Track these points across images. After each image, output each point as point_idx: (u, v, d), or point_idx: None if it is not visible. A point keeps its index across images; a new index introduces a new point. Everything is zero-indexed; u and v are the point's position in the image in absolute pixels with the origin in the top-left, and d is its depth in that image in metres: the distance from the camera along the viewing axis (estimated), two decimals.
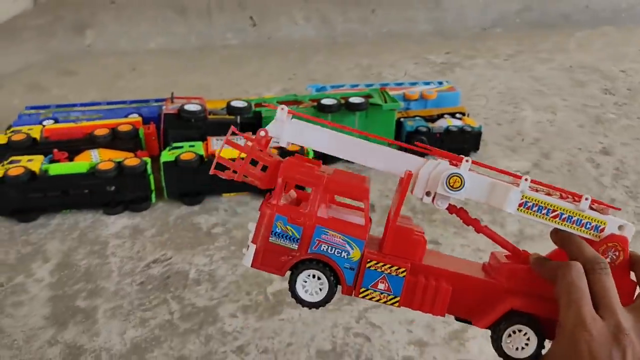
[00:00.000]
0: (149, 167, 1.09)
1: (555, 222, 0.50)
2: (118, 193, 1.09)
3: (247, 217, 1.09)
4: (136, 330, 0.83)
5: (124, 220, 1.08)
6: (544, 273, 0.49)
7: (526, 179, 0.50)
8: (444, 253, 0.59)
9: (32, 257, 0.99)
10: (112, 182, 1.08)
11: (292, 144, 0.51)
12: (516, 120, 1.53)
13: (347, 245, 0.50)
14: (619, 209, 0.51)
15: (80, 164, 1.09)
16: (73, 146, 1.16)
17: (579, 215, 0.49)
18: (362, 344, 0.79)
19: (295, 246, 0.50)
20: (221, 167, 0.51)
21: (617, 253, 0.50)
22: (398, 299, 0.50)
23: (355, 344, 0.79)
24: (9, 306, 0.88)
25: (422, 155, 0.52)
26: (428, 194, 0.50)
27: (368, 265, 0.50)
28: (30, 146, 1.16)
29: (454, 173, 0.49)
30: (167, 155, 1.11)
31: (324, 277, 0.50)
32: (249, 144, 0.51)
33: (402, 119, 1.33)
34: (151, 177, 1.10)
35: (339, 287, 0.51)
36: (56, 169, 1.07)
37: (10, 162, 1.09)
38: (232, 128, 0.52)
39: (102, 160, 1.12)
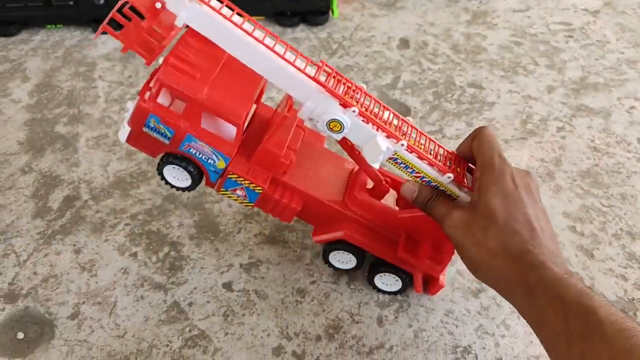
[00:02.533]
0: None
1: (415, 179, 0.51)
2: (109, 8, 0.93)
3: None
4: (121, 164, 0.72)
5: (115, 41, 0.93)
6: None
7: (402, 144, 0.49)
8: (325, 148, 0.60)
9: (10, 75, 0.86)
10: None
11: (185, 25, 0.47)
12: None
13: (213, 156, 0.51)
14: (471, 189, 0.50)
15: None
16: None
17: (440, 184, 0.50)
18: None
19: (167, 142, 0.51)
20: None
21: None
22: (252, 204, 0.54)
23: None
24: None
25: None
26: (311, 120, 0.50)
27: (230, 176, 0.52)
28: None
29: (334, 119, 0.48)
30: None
31: (186, 172, 0.52)
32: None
33: None
34: None
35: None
36: None
37: None
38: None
39: None
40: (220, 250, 0.62)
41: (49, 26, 0.95)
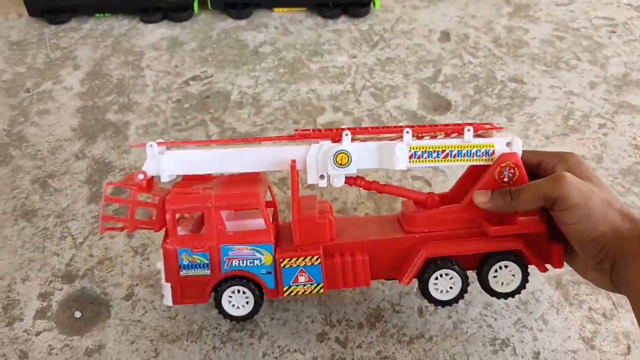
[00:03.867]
0: None
1: (448, 160, 0.50)
2: None
3: (301, 37, 0.94)
4: None
5: (162, 30, 0.96)
6: (523, 201, 0.48)
7: (407, 132, 0.48)
8: (356, 216, 0.59)
9: (61, 62, 0.89)
10: None
11: (173, 175, 0.50)
12: None
13: (256, 253, 0.49)
14: (502, 128, 0.51)
15: None
16: None
17: (467, 146, 0.49)
18: None
19: (207, 272, 0.50)
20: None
21: (512, 171, 0.50)
22: (322, 285, 0.51)
23: None
24: (34, 114, 0.80)
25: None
26: (322, 177, 0.49)
27: (282, 264, 0.50)
28: None
29: (338, 151, 0.48)
30: None
31: (245, 289, 0.50)
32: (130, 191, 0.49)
33: None
34: None
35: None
36: None
37: None
38: (106, 185, 0.53)
39: None
40: None
41: (98, 15, 0.98)
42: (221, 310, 0.51)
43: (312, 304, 0.59)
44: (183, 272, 0.49)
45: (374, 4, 0.98)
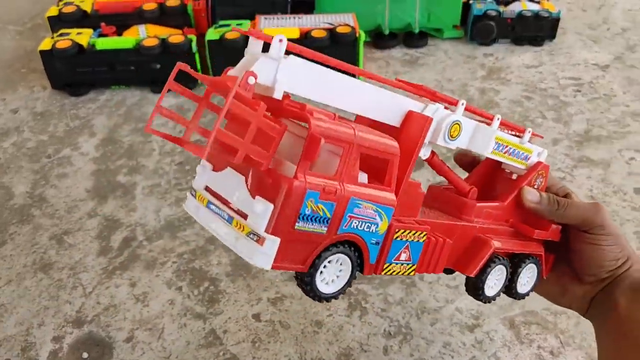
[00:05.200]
0: (193, 44, 1.06)
1: (502, 156, 0.48)
2: (163, 71, 1.07)
3: None
4: (171, 209, 0.84)
5: (169, 99, 1.07)
6: (570, 214, 0.51)
7: (498, 118, 0.45)
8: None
9: (79, 130, 1.01)
10: (156, 59, 1.06)
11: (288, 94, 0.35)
12: (605, 6, 1.35)
13: (377, 217, 0.38)
14: (541, 137, 0.53)
15: (127, 40, 1.07)
16: (122, 20, 1.14)
17: (520, 148, 0.49)
18: None
19: (324, 229, 0.36)
20: None
21: (541, 179, 0.52)
22: (415, 267, 0.43)
23: None
24: (54, 177, 0.91)
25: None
26: (430, 142, 0.42)
27: (396, 235, 0.40)
28: (81, 19, 1.15)
29: (455, 121, 0.42)
30: (212, 34, 1.07)
31: (348, 260, 0.38)
32: (233, 97, 0.31)
33: (470, 1, 1.20)
34: (197, 56, 1.07)
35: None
36: (103, 43, 1.06)
37: (60, 35, 1.09)
38: (179, 66, 0.34)
39: (149, 36, 1.09)
40: (252, 286, 0.73)
41: (113, 87, 1.10)
42: (308, 285, 0.37)
43: (290, 344, 0.66)
44: (299, 226, 0.35)
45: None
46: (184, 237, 0.80)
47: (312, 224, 0.35)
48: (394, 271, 0.42)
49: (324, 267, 0.37)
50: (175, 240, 0.79)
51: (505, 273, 0.50)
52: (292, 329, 0.68)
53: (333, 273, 0.38)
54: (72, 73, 1.07)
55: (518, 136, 0.50)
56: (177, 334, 0.68)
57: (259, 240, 0.34)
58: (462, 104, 0.43)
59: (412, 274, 0.43)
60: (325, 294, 0.38)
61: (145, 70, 1.07)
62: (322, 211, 0.35)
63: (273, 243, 0.34)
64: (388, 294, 0.71)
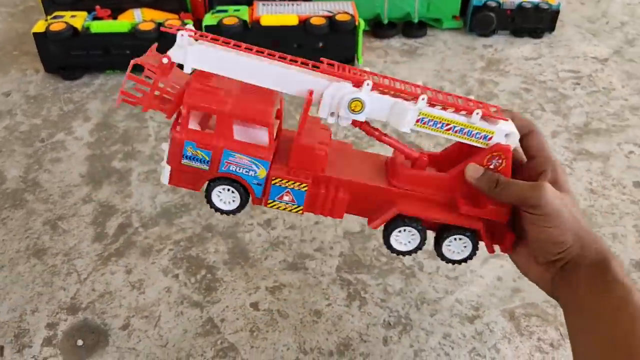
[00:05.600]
0: None
1: (448, 134, 0.52)
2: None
3: None
4: (167, 196, 0.83)
5: None
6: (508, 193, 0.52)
7: (423, 98, 0.50)
8: (354, 149, 0.59)
9: (73, 115, 0.99)
10: (152, 43, 1.03)
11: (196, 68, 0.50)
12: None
13: (253, 166, 0.53)
14: (507, 120, 0.53)
15: (122, 23, 1.05)
16: (117, 3, 1.11)
17: (470, 127, 0.52)
18: None
19: (206, 167, 0.53)
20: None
21: (500, 161, 0.53)
22: (301, 207, 0.55)
23: None
24: (48, 162, 0.89)
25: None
26: (332, 114, 0.51)
27: (273, 182, 0.53)
28: (75, 1, 1.12)
29: (354, 98, 0.50)
30: (209, 19, 1.05)
31: (235, 190, 0.54)
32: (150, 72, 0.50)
33: None
34: None
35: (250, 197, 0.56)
36: (98, 26, 1.04)
37: (54, 17, 1.06)
38: (132, 63, 0.51)
39: (144, 20, 1.07)
40: (249, 274, 0.72)
41: (108, 71, 1.08)
42: (209, 201, 0.55)
43: (289, 333, 0.65)
44: (184, 161, 0.52)
45: (358, 60, 1.08)
46: (180, 224, 0.79)
47: (195, 162, 0.52)
48: (280, 207, 0.55)
49: (219, 192, 0.54)
50: (171, 227, 0.78)
51: (418, 236, 0.56)
52: (291, 318, 0.67)
53: (229, 197, 0.55)
54: (66, 56, 1.05)
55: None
56: (173, 322, 0.67)
57: (164, 166, 0.53)
58: (368, 84, 0.50)
59: (300, 212, 0.55)
60: (221, 209, 0.55)
61: (140, 55, 1.05)
62: (200, 155, 0.52)
63: (166, 169, 0.53)
64: (387, 284, 0.70)
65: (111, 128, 0.96)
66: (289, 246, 0.75)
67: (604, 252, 0.50)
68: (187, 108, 0.50)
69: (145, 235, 0.77)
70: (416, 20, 1.18)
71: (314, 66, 0.51)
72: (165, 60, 0.49)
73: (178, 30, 0.49)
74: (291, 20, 1.04)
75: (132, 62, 0.50)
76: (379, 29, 1.18)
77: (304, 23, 1.04)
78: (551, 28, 1.18)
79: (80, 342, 0.65)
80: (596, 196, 0.82)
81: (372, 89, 0.50)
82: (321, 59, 0.51)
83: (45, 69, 1.08)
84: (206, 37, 0.50)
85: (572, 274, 0.51)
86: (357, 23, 1.03)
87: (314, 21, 1.03)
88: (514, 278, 0.71)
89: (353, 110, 0.50)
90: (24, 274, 0.72)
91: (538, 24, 1.17)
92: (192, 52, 0.49)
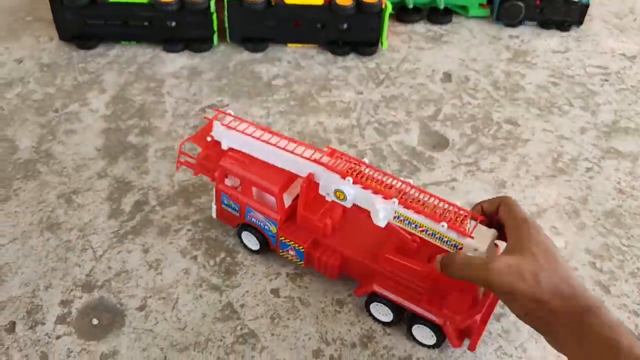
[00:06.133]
0: (212, 4, 1.01)
1: (421, 234, 0.56)
2: (179, 30, 1.02)
3: (311, 72, 1.01)
4: (185, 174, 0.80)
5: (183, 60, 1.03)
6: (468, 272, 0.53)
7: (394, 202, 0.55)
8: (367, 216, 0.60)
9: (88, 86, 0.96)
10: (172, 16, 1.00)
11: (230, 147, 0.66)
12: None
13: (267, 222, 0.66)
14: (471, 237, 0.54)
15: None
16: None
17: (441, 234, 0.55)
18: None
19: (237, 214, 0.68)
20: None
21: None
22: (302, 263, 0.66)
23: None
24: (61, 133, 0.86)
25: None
26: (328, 194, 0.60)
27: (281, 238, 0.66)
28: None
29: (337, 189, 0.58)
30: None
31: (255, 238, 0.68)
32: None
33: None
34: (214, 17, 1.02)
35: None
36: None
37: None
38: (183, 141, 0.69)
39: None
40: (270, 260, 0.70)
41: (124, 42, 1.05)
42: (241, 240, 0.70)
43: (310, 322, 0.64)
44: (224, 205, 0.69)
45: (382, 44, 1.05)
46: (199, 204, 0.76)
47: (230, 209, 0.68)
48: (288, 257, 0.67)
49: (246, 234, 0.69)
50: (189, 207, 0.76)
51: (390, 312, 0.62)
52: (313, 306, 0.65)
53: (254, 240, 0.69)
54: (82, 25, 1.02)
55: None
56: (192, 305, 0.65)
57: (213, 205, 0.71)
58: (348, 180, 0.57)
59: (303, 265, 0.67)
60: (249, 247, 0.70)
61: (159, 28, 1.02)
62: (232, 205, 0.68)
63: (214, 207, 0.70)
64: None
65: (127, 101, 0.93)
66: None
67: (586, 302, 0.48)
68: (220, 171, 0.66)
69: (162, 214, 0.75)
70: (442, 7, 1.15)
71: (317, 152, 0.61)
72: (209, 139, 0.65)
73: (214, 120, 0.64)
74: (317, 0, 1.01)
75: (183, 140, 0.69)
76: (403, 13, 1.15)
77: (330, 3, 1.01)
78: (579, 22, 1.15)
79: (95, 321, 0.63)
80: (625, 196, 0.80)
81: (354, 183, 0.57)
82: (327, 146, 0.64)
83: (59, 36, 1.05)
84: (239, 120, 0.64)
85: (550, 325, 0.50)
86: (383, 6, 1.00)
87: (340, 1, 1.00)
88: None
89: (338, 197, 0.59)
90: (37, 247, 0.70)
91: (566, 16, 1.14)
92: (227, 137, 0.64)
